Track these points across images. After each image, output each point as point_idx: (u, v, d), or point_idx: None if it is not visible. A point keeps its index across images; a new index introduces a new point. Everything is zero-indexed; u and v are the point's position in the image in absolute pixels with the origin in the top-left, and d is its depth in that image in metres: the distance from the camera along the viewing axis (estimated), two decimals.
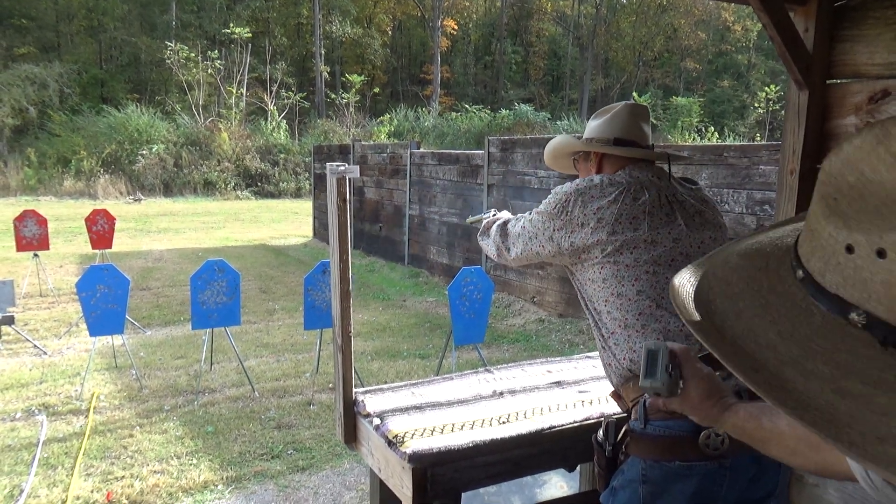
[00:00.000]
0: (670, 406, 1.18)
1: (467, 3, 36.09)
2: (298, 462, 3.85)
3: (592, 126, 1.84)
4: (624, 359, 1.59)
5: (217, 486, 3.57)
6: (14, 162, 20.47)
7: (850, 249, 0.51)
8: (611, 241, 1.58)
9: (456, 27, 34.89)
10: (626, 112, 1.79)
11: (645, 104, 1.89)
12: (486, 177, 8.08)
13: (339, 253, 2.25)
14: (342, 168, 2.25)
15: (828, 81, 2.32)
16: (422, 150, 10.10)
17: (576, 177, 1.84)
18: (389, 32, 35.57)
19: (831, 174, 0.55)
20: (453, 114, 27.30)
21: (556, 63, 37.92)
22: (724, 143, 8.79)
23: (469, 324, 4.60)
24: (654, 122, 25.14)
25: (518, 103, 27.52)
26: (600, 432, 1.64)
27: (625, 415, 1.65)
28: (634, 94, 26.58)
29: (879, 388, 0.48)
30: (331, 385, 4.96)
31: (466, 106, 27.08)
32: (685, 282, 0.72)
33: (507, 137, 8.58)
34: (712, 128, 23.15)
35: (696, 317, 0.65)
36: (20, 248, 7.48)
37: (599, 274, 1.62)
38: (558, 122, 25.86)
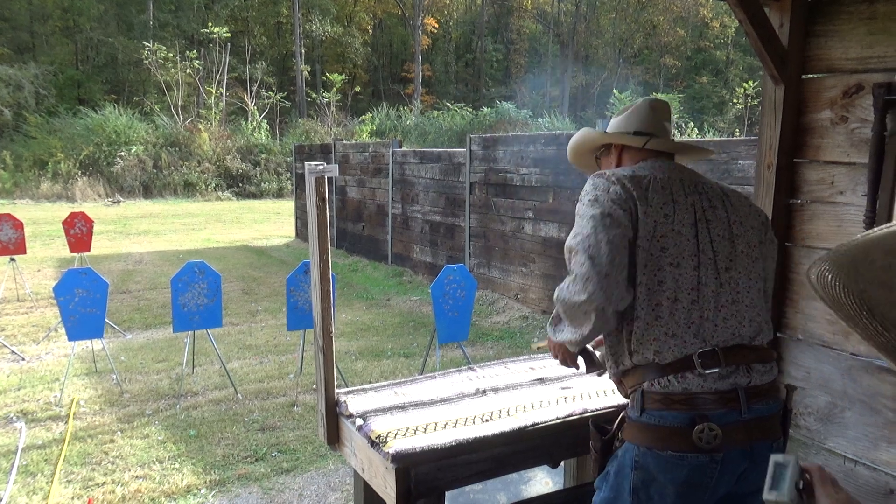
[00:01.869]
0: None
1: (447, 2, 36.08)
2: (283, 464, 3.82)
3: (613, 122, 1.86)
4: (630, 349, 1.58)
5: (200, 490, 3.54)
6: None
7: None
8: (632, 229, 1.55)
9: (437, 25, 34.86)
10: (646, 106, 1.81)
11: (665, 100, 1.89)
12: (468, 175, 8.08)
13: (319, 252, 2.23)
14: (321, 167, 2.24)
15: (803, 76, 2.34)
16: (404, 148, 10.07)
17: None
18: (370, 31, 35.46)
19: None
20: (435, 112, 27.26)
21: (538, 60, 38.02)
22: (703, 139, 8.87)
23: (452, 322, 4.59)
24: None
25: (499, 101, 27.52)
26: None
27: (625, 402, 1.67)
28: (615, 90, 26.72)
29: None
30: (314, 386, 4.93)
31: (448, 104, 27.04)
32: (823, 273, 0.69)
33: (488, 135, 8.58)
34: (692, 123, 23.33)
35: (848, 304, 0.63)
36: None
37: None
38: (540, 120, 25.93)
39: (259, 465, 3.81)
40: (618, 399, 2.17)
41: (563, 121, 26.64)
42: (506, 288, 7.62)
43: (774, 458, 1.07)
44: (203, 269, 4.82)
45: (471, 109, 26.60)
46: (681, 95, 28.83)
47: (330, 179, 11.25)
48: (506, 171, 7.52)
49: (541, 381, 2.39)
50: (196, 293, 4.79)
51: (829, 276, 0.67)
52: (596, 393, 2.26)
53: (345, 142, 12.50)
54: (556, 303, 1.60)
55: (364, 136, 23.61)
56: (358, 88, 31.06)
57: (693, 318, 1.54)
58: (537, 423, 2.01)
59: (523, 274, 7.30)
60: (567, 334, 1.62)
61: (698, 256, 1.56)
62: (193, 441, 4.09)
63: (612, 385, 2.32)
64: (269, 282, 8.94)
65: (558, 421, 2.05)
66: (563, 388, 2.32)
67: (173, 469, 3.74)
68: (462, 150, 8.32)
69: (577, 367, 1.87)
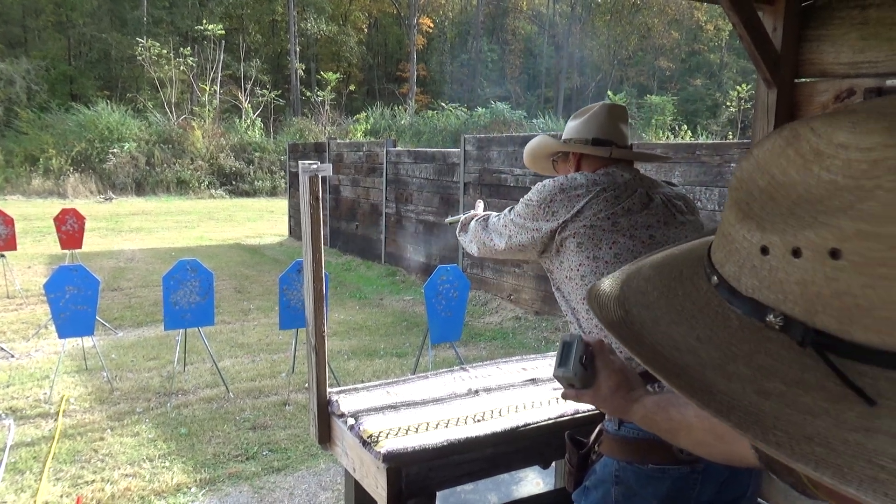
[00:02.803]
0: (582, 399, 1.18)
1: (443, 1, 36.09)
2: (274, 463, 3.81)
3: (571, 126, 1.84)
4: None
5: (190, 488, 3.53)
6: None
7: (764, 251, 0.51)
8: (587, 235, 1.59)
9: (432, 25, 34.87)
10: (604, 112, 1.80)
11: (623, 104, 1.90)
12: (462, 175, 8.09)
13: (313, 252, 2.23)
14: (315, 166, 2.24)
15: (796, 80, 2.36)
16: (398, 148, 10.06)
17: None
18: (365, 30, 35.42)
19: (742, 179, 0.55)
20: (430, 112, 27.27)
21: (532, 61, 38.09)
22: (696, 142, 8.90)
23: (445, 322, 4.59)
24: (629, 120, 25.40)
25: (494, 101, 27.56)
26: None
27: (597, 413, 1.65)
28: (609, 92, 26.80)
29: (801, 388, 0.49)
30: (306, 385, 4.91)
31: (443, 104, 27.06)
32: (604, 289, 0.72)
33: (483, 135, 8.58)
34: (685, 126, 23.45)
35: (614, 318, 0.65)
36: None
37: (578, 270, 1.62)
38: (535, 121, 25.97)
39: (250, 463, 3.80)
40: None
41: (557, 122, 26.70)
42: (499, 288, 7.62)
43: (563, 336, 1.15)
44: (195, 268, 4.80)
45: (465, 109, 26.63)
46: (674, 98, 28.95)
47: (324, 178, 11.24)
48: (500, 172, 7.53)
49: (533, 381, 2.40)
50: (188, 291, 4.77)
51: (606, 293, 0.71)
52: None
53: (339, 141, 12.47)
54: (475, 227, 1.94)
55: (358, 135, 23.58)
56: (353, 87, 31.02)
57: None
58: (529, 424, 2.02)
59: (516, 275, 7.31)
60: (463, 238, 2.02)
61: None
62: (184, 439, 4.08)
63: None
64: (261, 280, 8.91)
65: (550, 422, 2.05)
66: (554, 389, 2.32)
67: (163, 467, 3.73)
68: (456, 150, 8.31)
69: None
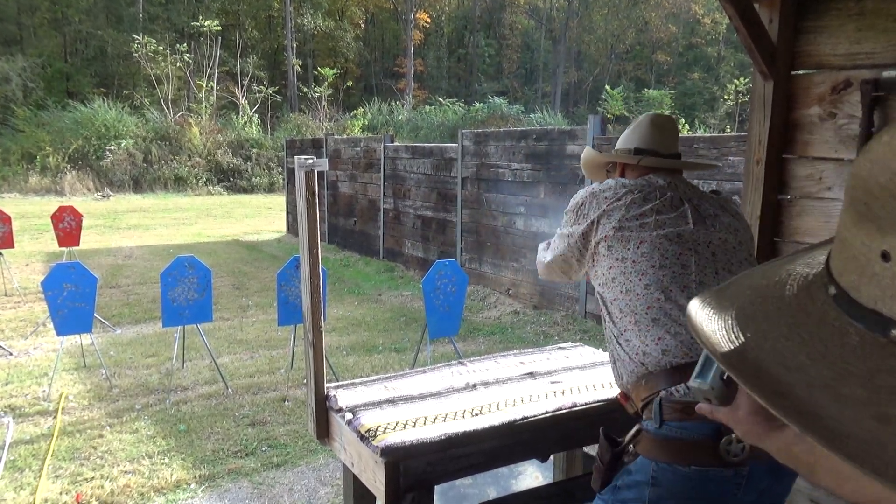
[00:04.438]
0: (716, 415, 1.11)
1: None
2: (273, 459, 3.82)
3: (620, 138, 1.92)
4: (635, 354, 1.55)
5: (190, 484, 3.53)
6: None
7: (885, 257, 0.46)
8: (616, 238, 1.61)
9: (429, 20, 34.76)
10: (647, 122, 1.85)
11: (670, 115, 1.94)
12: (459, 170, 8.08)
13: (310, 247, 2.23)
14: (311, 161, 2.23)
15: (792, 72, 2.35)
16: (395, 143, 10.06)
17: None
18: (362, 25, 35.32)
19: (860, 177, 0.49)
20: (427, 107, 27.22)
21: (530, 56, 38.02)
22: (694, 135, 8.89)
23: (443, 317, 4.60)
24: (627, 114, 25.39)
25: (492, 96, 27.52)
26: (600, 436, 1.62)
27: (595, 405, 1.64)
28: (607, 87, 26.78)
29: None
30: (305, 381, 4.92)
31: (440, 99, 27.02)
32: (700, 305, 0.65)
33: (480, 130, 8.57)
34: (683, 120, 23.43)
35: (716, 339, 0.58)
36: None
37: (609, 273, 1.62)
38: (532, 115, 25.95)
39: (249, 459, 3.81)
40: (607, 393, 2.18)
41: (555, 116, 26.68)
42: (497, 283, 7.63)
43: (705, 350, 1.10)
44: (193, 264, 4.80)
45: (463, 105, 26.60)
46: (672, 92, 28.94)
47: (321, 174, 11.20)
48: (497, 167, 7.52)
49: (531, 375, 2.40)
50: (186, 288, 4.77)
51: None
52: (585, 387, 2.27)
53: (336, 136, 12.45)
54: (540, 248, 1.97)
55: (356, 130, 23.54)
56: (350, 83, 30.94)
57: None
58: (527, 418, 2.02)
59: (515, 269, 7.31)
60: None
61: (698, 258, 1.58)
62: (183, 436, 4.08)
63: (601, 379, 2.33)
64: (260, 277, 8.91)
65: (548, 415, 2.05)
66: (552, 383, 2.32)
67: (163, 464, 3.73)
68: (454, 145, 8.31)
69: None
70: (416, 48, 33.03)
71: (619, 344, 1.61)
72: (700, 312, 0.63)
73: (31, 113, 21.96)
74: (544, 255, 1.91)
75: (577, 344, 2.84)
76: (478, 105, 26.01)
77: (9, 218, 7.32)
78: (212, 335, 5.90)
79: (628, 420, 1.60)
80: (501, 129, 8.57)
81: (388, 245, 9.86)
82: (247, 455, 3.86)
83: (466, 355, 5.17)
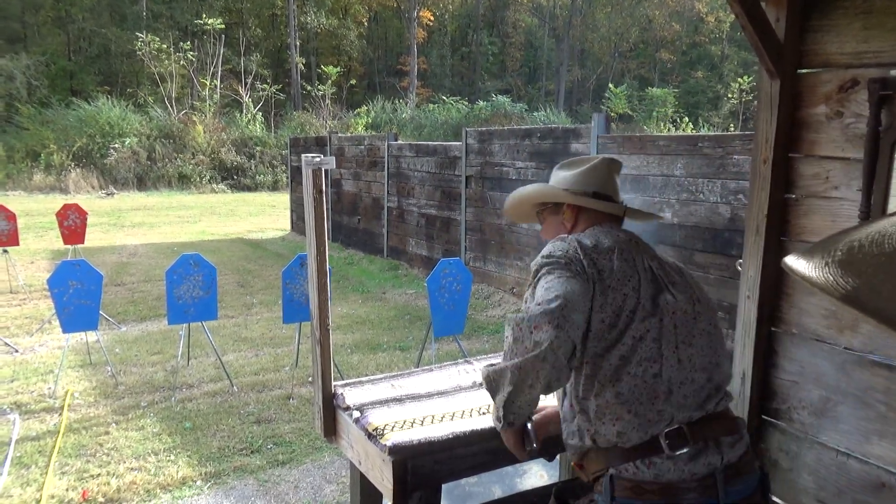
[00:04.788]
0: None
1: None
2: (278, 456, 3.83)
3: (566, 176, 1.74)
4: (590, 425, 1.51)
5: (196, 482, 3.55)
6: None
7: None
8: (591, 299, 1.48)
9: (432, 18, 34.73)
10: (605, 166, 1.74)
11: (619, 160, 1.83)
12: (464, 168, 8.08)
13: (316, 245, 2.23)
14: (318, 159, 2.24)
15: (799, 71, 2.35)
16: (399, 141, 10.06)
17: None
18: (365, 23, 35.29)
19: None
20: (431, 105, 27.22)
21: (533, 54, 37.96)
22: (698, 134, 8.88)
23: (448, 315, 4.60)
24: (630, 112, 25.36)
25: (495, 94, 27.50)
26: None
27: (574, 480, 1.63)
28: (611, 85, 26.73)
29: None
30: (310, 379, 4.93)
31: (444, 97, 27.01)
32: (807, 258, 0.63)
33: (484, 129, 8.57)
34: (687, 118, 23.38)
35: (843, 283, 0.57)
36: None
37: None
38: (536, 113, 25.92)
39: (255, 457, 3.82)
40: None
41: (559, 115, 26.67)
42: (501, 282, 7.63)
43: None
44: (198, 262, 4.81)
45: (466, 103, 26.57)
46: (676, 90, 28.87)
47: (326, 172, 11.18)
48: (501, 165, 7.52)
49: None
50: (191, 286, 4.78)
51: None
52: None
53: (340, 134, 12.44)
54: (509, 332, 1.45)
55: (360, 128, 23.55)
56: (353, 81, 30.93)
57: (657, 392, 1.47)
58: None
59: (519, 268, 7.31)
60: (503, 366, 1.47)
61: (660, 329, 1.50)
62: (189, 433, 4.09)
63: None
64: (264, 275, 8.92)
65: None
66: None
67: (169, 461, 3.75)
68: (458, 143, 8.31)
69: (528, 450, 1.65)
70: (419, 46, 33.02)
71: (572, 413, 1.56)
72: (800, 263, 0.63)
73: (36, 111, 22.01)
74: (528, 328, 1.40)
75: None
76: (481, 103, 25.99)
77: (13, 215, 7.33)
78: (216, 333, 5.92)
79: None
80: (505, 128, 8.57)
81: (392, 243, 9.87)
82: (252, 453, 3.87)
83: (471, 354, 5.18)
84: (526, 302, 1.52)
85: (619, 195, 1.77)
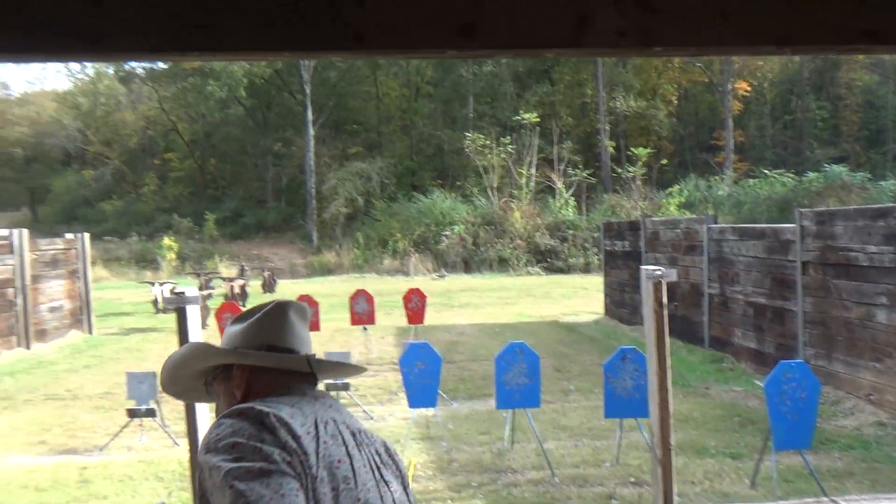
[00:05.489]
0: None
1: (761, 63, 33.74)
2: None
3: (236, 332, 1.40)
4: None
5: None
6: (346, 244, 24.51)
7: None
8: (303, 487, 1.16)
9: (748, 88, 32.75)
10: (278, 311, 1.39)
11: (304, 305, 1.47)
12: (798, 253, 7.29)
13: (658, 359, 2.22)
14: (659, 273, 2.25)
15: None
16: (720, 224, 9.53)
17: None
18: (675, 101, 34.80)
19: None
20: (750, 180, 25.37)
21: (874, 115, 33.12)
22: None
23: (791, 426, 4.11)
24: None
25: (828, 164, 24.50)
26: None
27: None
28: None
29: None
30: (632, 479, 4.78)
31: (765, 171, 24.96)
32: None
33: (823, 209, 7.70)
34: None
35: None
36: (354, 322, 8.79)
37: None
38: (882, 183, 22.36)
39: None
40: None
41: None
42: (853, 385, 6.56)
43: None
44: (523, 350, 5.11)
45: (793, 175, 24.16)
46: None
47: (639, 255, 11.08)
48: (848, 250, 6.60)
49: None
50: (517, 372, 5.09)
51: None
52: None
53: (654, 218, 12.28)
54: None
55: (671, 208, 22.95)
56: (664, 161, 30.46)
57: None
58: None
59: (877, 371, 6.22)
60: None
61: None
62: None
63: None
64: (580, 360, 9.04)
65: None
66: None
67: None
68: (791, 225, 7.56)
69: None
70: (734, 118, 31.30)
71: None
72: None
73: (386, 204, 26.20)
74: None
75: None
76: (812, 175, 23.36)
77: (372, 298, 8.71)
78: (536, 417, 6.11)
79: None
80: (851, 208, 7.57)
81: (715, 333, 9.23)
82: None
83: (819, 471, 4.49)
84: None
85: (309, 346, 1.41)
